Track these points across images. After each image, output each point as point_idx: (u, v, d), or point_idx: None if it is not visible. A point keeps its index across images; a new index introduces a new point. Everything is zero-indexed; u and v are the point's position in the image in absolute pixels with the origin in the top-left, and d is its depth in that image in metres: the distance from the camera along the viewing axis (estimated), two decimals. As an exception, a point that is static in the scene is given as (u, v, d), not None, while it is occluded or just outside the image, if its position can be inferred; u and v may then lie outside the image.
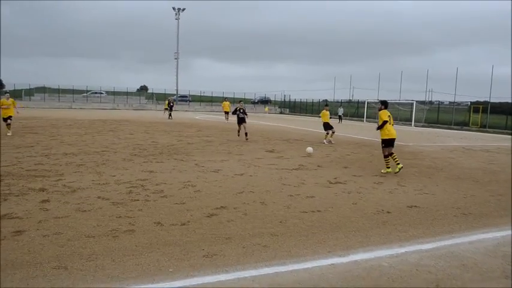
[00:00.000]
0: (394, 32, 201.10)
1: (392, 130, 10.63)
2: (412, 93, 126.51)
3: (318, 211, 6.63)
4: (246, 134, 18.36)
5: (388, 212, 6.72)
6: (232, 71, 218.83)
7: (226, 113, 34.22)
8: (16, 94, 64.54)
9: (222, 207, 6.66)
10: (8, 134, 17.10)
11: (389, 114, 10.66)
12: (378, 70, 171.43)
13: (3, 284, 3.76)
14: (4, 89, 68.95)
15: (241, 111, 18.61)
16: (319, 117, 19.25)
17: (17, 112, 18.66)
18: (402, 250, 4.99)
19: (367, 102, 48.03)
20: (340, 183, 9.01)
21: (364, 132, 18.03)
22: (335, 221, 6.13)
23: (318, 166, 11.30)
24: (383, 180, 9.42)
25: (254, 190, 8.01)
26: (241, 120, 18.56)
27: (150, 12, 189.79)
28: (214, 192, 7.74)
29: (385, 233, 5.63)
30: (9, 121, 17.59)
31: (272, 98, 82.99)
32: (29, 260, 4.32)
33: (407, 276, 4.21)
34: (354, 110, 57.18)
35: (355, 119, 52.26)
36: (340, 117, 41.98)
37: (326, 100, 56.78)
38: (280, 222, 5.97)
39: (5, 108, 17.71)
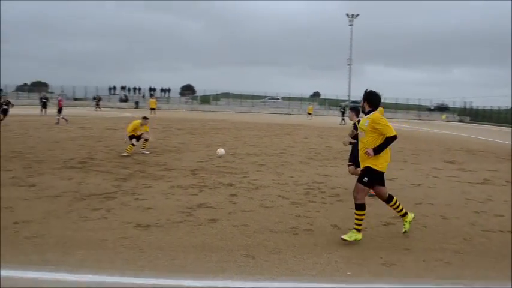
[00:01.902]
0: None
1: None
2: None
3: (508, 231, 5.96)
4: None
5: None
6: (405, 76, 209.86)
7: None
8: (206, 99, 72.62)
9: (399, 217, 6.47)
10: None
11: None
12: None
13: (201, 264, 4.32)
14: (195, 95, 78.01)
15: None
16: None
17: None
18: None
19: None
20: (538, 203, 7.92)
21: None
22: (532, 245, 5.43)
23: (507, 182, 10.10)
24: None
25: (433, 202, 7.59)
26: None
27: (323, 19, 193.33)
28: (390, 201, 7.55)
29: None
30: None
31: (450, 105, 76.67)
32: (222, 246, 4.87)
33: None
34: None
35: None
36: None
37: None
38: (464, 239, 5.55)
39: None
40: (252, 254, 4.64)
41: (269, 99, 74.59)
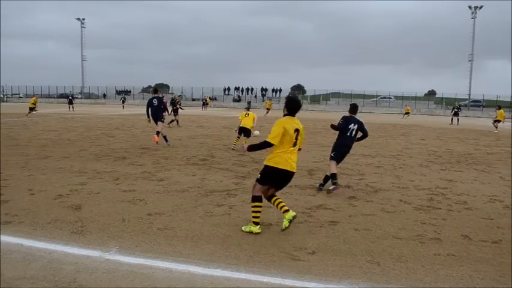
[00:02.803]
0: None
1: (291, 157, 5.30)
2: None
3: None
4: None
5: None
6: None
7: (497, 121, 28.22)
8: (315, 99, 72.58)
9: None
10: None
11: (297, 126, 5.37)
12: None
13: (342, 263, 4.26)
14: (305, 94, 78.40)
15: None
16: None
17: None
18: None
19: None
20: None
21: None
22: None
23: None
24: None
25: None
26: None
27: (441, 12, 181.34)
28: (528, 211, 6.81)
29: None
30: None
31: None
32: (345, 250, 4.76)
33: None
34: None
35: None
36: None
37: None
38: None
39: None
40: (377, 260, 4.47)
41: (380, 98, 72.02)
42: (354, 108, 8.34)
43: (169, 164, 10.09)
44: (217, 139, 16.33)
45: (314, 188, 7.84)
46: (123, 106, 50.80)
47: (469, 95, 69.26)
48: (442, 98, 73.78)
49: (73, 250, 4.54)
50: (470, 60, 69.51)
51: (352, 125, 8.05)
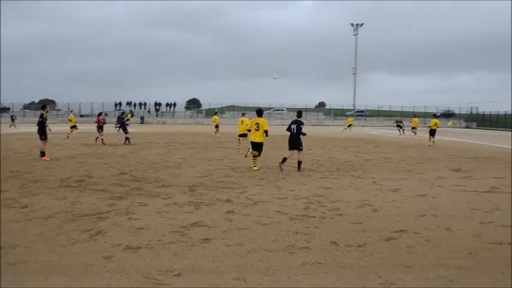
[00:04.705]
0: None
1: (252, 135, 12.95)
2: None
3: (518, 244, 5.67)
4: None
5: None
6: (410, 84, 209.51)
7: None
8: (211, 112, 72.93)
9: (401, 230, 6.22)
10: None
11: (257, 121, 12.73)
12: None
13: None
14: (200, 108, 78.51)
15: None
16: None
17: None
18: None
19: None
20: (547, 212, 7.60)
21: None
22: (542, 258, 5.14)
23: (517, 190, 9.77)
24: None
25: (437, 214, 7.31)
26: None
27: (330, 30, 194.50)
28: (392, 213, 7.30)
29: None
30: None
31: (456, 111, 76.42)
32: (213, 268, 4.63)
33: None
34: None
35: None
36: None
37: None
38: (469, 253, 5.28)
39: None
40: (244, 276, 4.40)
41: (274, 110, 74.48)
42: (297, 114, 13.31)
43: (39, 187, 9.23)
44: (99, 157, 15.44)
45: (193, 205, 7.66)
46: (12, 125, 44.43)
47: (354, 105, 74.45)
48: (330, 109, 78.54)
49: None
50: (353, 74, 74.86)
51: (293, 125, 12.73)
